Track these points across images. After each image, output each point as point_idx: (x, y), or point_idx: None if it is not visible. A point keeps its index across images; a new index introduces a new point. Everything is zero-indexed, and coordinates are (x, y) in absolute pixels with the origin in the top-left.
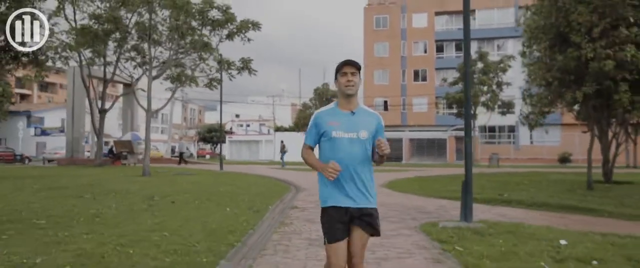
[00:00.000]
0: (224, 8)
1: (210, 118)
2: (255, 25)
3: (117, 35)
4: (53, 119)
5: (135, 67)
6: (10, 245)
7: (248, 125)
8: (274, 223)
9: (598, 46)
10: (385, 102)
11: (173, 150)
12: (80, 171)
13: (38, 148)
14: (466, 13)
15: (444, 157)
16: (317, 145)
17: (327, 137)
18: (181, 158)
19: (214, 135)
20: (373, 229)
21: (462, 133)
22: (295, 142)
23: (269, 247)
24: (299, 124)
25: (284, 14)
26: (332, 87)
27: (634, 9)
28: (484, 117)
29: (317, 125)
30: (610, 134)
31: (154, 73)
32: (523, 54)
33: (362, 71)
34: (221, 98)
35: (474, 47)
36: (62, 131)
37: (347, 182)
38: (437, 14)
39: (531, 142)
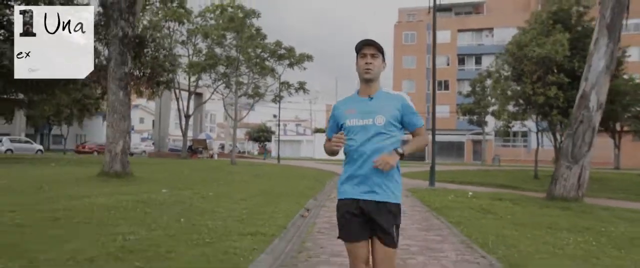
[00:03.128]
0: (289, 48)
1: (249, 117)
2: (309, 58)
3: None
4: None
5: (224, 87)
6: (222, 187)
7: (285, 125)
8: (333, 186)
9: (535, 87)
10: None
11: (222, 147)
12: (181, 161)
13: None
14: (434, 30)
15: (462, 157)
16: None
17: (344, 126)
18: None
19: (261, 135)
20: (388, 239)
21: (478, 137)
22: None
23: (332, 193)
24: None
25: (329, 17)
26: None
27: (565, 58)
28: (496, 123)
29: (335, 116)
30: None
31: (239, 93)
32: (494, 87)
33: (390, 76)
34: (279, 109)
35: (492, 60)
36: (132, 129)
37: (362, 173)
38: (460, 31)
39: (542, 146)
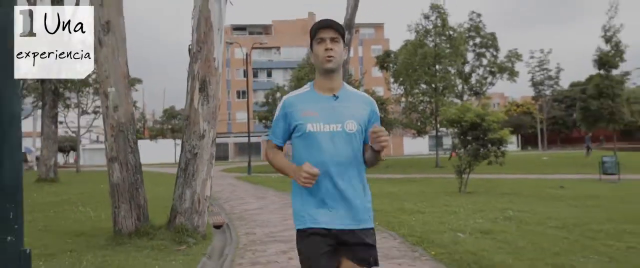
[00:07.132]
0: None
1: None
2: (139, 81)
3: None
4: None
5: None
6: None
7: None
8: None
9: None
10: None
11: (37, 158)
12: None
13: None
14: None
15: (260, 155)
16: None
17: (301, 131)
18: None
19: (66, 145)
20: (368, 262)
21: None
22: (154, 150)
23: None
24: (153, 134)
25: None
26: (180, 107)
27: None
28: None
29: (287, 115)
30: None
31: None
32: None
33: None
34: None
35: (280, 74)
36: None
37: (330, 194)
38: (254, 48)
39: None
